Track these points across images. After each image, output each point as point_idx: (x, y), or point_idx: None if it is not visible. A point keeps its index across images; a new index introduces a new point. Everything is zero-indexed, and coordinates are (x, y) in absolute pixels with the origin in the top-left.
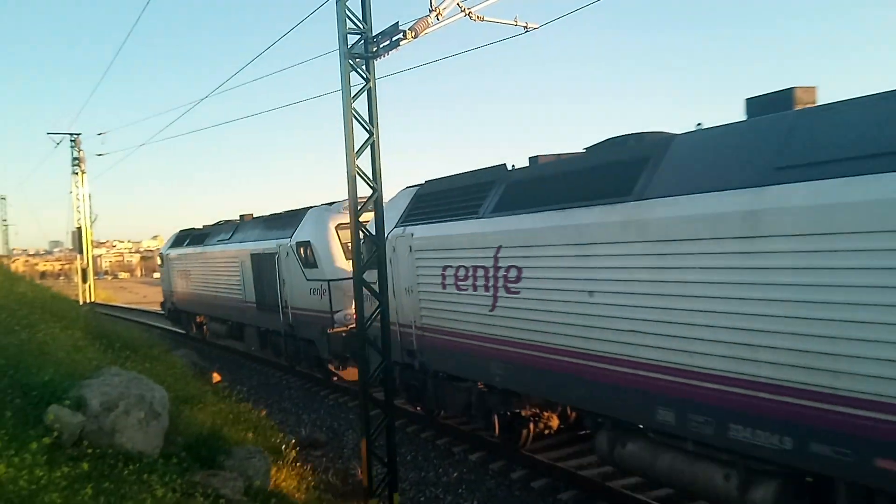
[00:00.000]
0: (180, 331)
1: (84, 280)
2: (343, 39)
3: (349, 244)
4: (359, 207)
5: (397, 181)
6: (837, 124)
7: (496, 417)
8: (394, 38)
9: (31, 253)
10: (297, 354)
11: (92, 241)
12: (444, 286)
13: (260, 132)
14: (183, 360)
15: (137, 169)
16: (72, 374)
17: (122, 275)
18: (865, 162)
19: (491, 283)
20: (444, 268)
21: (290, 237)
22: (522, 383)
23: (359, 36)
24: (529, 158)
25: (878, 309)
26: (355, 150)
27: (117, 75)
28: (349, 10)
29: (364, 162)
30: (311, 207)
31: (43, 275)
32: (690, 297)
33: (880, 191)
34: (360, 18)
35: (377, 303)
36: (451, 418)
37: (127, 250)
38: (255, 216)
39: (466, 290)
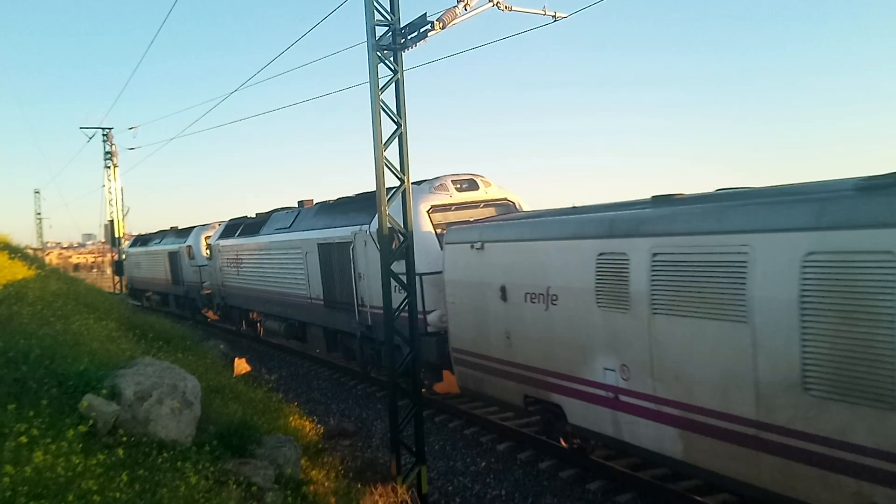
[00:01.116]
0: (136, 303)
1: (119, 273)
2: (371, 31)
3: (208, 248)
4: (388, 199)
5: (424, 172)
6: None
7: (244, 322)
8: (422, 30)
9: (64, 246)
10: (191, 308)
11: (124, 234)
12: (227, 265)
13: (289, 124)
14: (214, 350)
15: (168, 162)
16: (106, 364)
17: None
18: (287, 229)
19: (236, 264)
20: (227, 259)
21: (184, 242)
22: (248, 305)
23: (387, 27)
24: (260, 213)
25: (298, 270)
26: (383, 142)
27: (149, 70)
28: (377, 1)
29: (392, 153)
30: (195, 227)
31: (76, 267)
32: (286, 268)
33: (301, 238)
34: (388, 10)
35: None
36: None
37: None
38: (178, 227)
39: (231, 267)
